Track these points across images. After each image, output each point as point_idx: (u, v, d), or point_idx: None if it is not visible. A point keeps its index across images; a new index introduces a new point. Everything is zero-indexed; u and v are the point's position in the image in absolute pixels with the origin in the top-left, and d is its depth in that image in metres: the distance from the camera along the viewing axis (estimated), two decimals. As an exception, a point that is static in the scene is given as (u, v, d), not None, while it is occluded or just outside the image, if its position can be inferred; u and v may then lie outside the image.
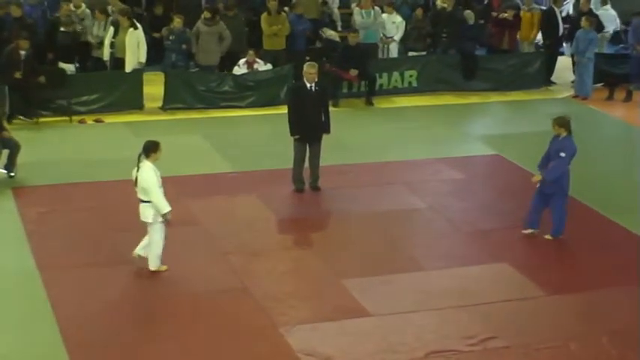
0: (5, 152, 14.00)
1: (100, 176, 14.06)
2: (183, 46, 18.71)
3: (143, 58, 17.97)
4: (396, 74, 19.55)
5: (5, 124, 14.60)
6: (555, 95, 20.01)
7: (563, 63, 21.16)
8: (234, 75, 18.54)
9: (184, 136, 16.03)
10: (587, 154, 14.50)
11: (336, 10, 21.86)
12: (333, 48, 20.06)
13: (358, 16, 20.15)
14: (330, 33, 20.90)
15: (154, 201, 10.62)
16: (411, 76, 19.65)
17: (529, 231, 12.24)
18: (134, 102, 17.76)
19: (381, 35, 20.32)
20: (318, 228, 12.86)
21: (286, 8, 19.87)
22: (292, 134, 13.65)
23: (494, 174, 15.15)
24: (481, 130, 17.47)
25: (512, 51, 20.85)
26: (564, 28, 20.90)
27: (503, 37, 20.65)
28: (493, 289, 10.84)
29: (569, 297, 10.76)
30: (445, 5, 20.36)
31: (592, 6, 21.06)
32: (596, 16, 20.49)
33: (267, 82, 18.43)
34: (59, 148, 15.64)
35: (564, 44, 21.71)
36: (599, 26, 20.43)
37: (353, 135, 16.38)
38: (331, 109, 14.34)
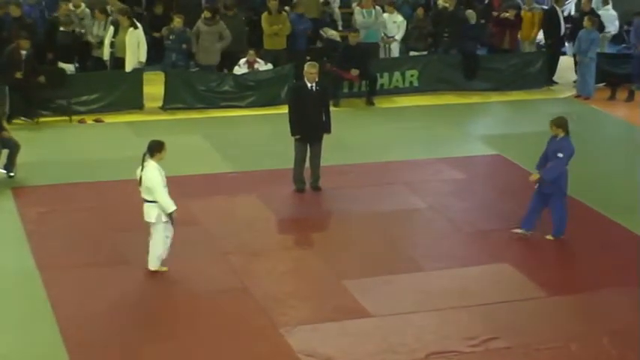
0: (5, 152, 13.98)
1: (100, 176, 14.04)
2: (184, 46, 18.67)
3: (143, 58, 17.94)
4: (397, 74, 19.51)
5: (5, 124, 14.59)
6: (557, 95, 19.98)
7: (566, 63, 21.16)
8: (235, 75, 18.51)
9: (184, 136, 15.99)
10: (588, 154, 14.51)
11: (336, 10, 21.83)
12: (334, 48, 20.02)
13: (359, 15, 20.13)
14: (330, 32, 20.87)
15: (159, 200, 10.61)
16: (412, 75, 19.62)
17: (520, 231, 12.15)
18: (134, 102, 17.74)
19: (382, 35, 20.29)
20: (319, 228, 12.84)
21: (287, 8, 19.84)
22: (293, 134, 13.63)
23: (495, 174, 15.12)
24: (482, 130, 17.44)
25: (513, 51, 20.82)
26: (566, 28, 20.89)
27: (504, 37, 20.61)
28: (494, 290, 10.82)
29: (570, 297, 10.75)
30: (446, 5, 20.34)
31: (593, 6, 21.05)
32: (599, 16, 20.48)
33: (267, 81, 18.39)
34: (59, 148, 15.61)
35: (566, 44, 21.67)
36: (601, 26, 20.41)
37: (354, 135, 16.35)
38: (332, 108, 14.32)
